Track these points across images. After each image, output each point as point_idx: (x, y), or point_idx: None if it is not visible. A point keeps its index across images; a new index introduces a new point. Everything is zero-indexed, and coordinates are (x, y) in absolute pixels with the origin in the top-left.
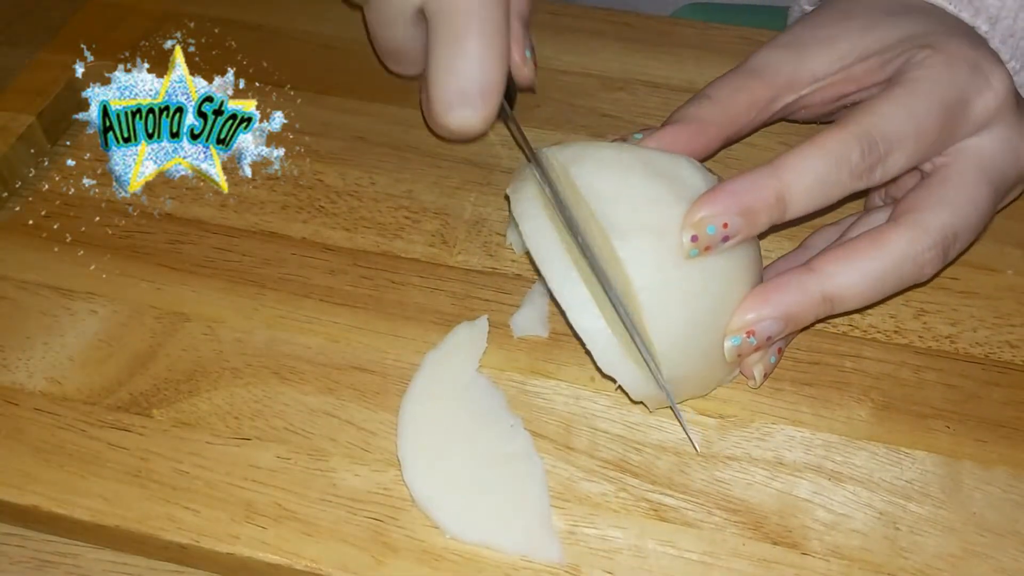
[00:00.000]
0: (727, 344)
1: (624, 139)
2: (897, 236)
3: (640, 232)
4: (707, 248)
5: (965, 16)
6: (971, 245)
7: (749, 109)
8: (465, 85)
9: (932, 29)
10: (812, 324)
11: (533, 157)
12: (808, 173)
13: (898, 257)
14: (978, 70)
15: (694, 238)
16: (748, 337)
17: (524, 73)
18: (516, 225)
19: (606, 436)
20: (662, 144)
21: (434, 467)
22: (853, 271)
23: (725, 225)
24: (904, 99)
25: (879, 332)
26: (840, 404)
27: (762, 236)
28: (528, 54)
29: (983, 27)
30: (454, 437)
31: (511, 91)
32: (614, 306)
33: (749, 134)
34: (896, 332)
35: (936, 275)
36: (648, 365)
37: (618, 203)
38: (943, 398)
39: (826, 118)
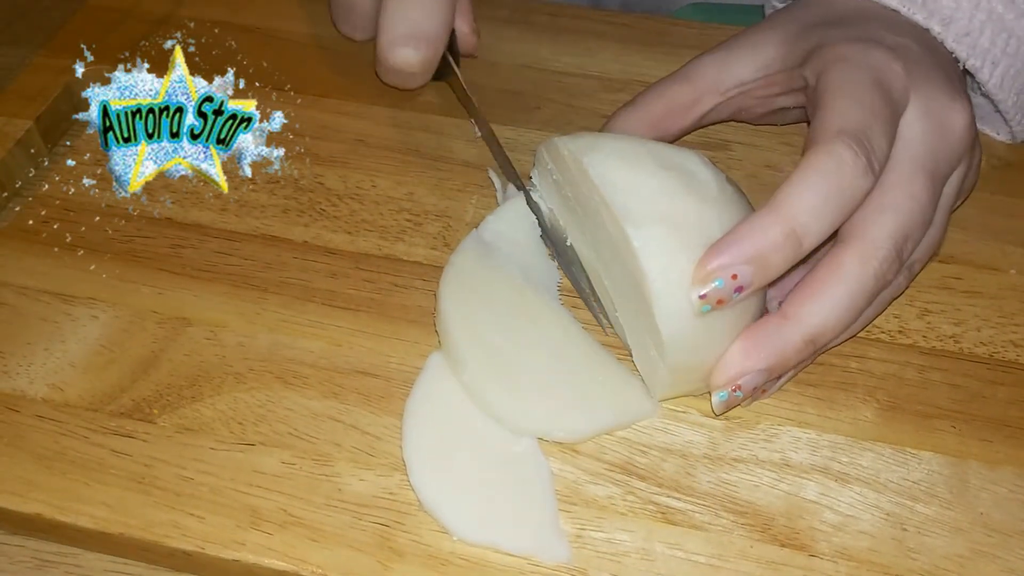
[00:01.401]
0: (715, 399)
1: None
2: (849, 258)
3: (653, 221)
4: (719, 302)
5: (919, 18)
6: (948, 218)
7: (669, 113)
8: (411, 29)
9: (837, 35)
10: (803, 365)
11: (479, 121)
12: (807, 193)
13: (856, 278)
14: (873, 45)
15: (703, 296)
16: (735, 391)
17: (470, 41)
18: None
19: (612, 439)
20: None
21: (440, 469)
22: (823, 306)
23: (734, 276)
24: (839, 92)
25: (883, 332)
26: (846, 405)
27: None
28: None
29: (936, 28)
30: (460, 439)
31: (454, 55)
32: (596, 303)
33: (683, 134)
34: (900, 332)
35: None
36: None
37: (631, 193)
38: (948, 398)
39: (767, 119)
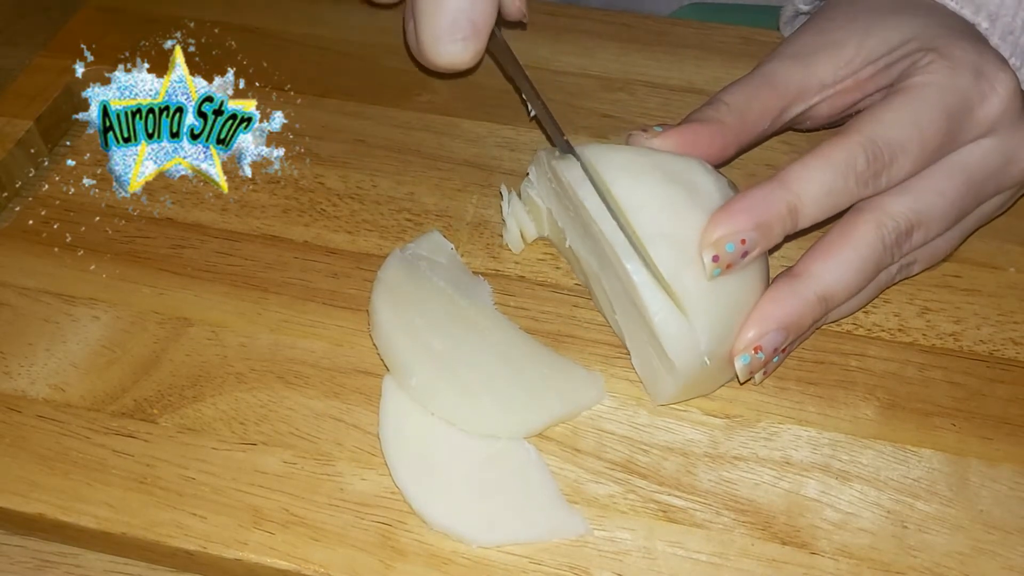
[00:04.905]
0: (738, 364)
1: (644, 130)
2: (862, 222)
3: (658, 241)
4: (728, 266)
5: (966, 13)
6: (964, 238)
7: (762, 117)
8: (456, 17)
9: (935, 31)
10: (812, 329)
11: (532, 99)
12: (815, 183)
13: (867, 242)
14: (982, 75)
15: (715, 258)
16: (756, 353)
17: (516, 6)
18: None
19: (612, 438)
20: (682, 140)
21: (436, 487)
22: (834, 265)
23: (743, 242)
24: (907, 105)
25: (883, 331)
26: (846, 403)
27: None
28: None
29: (983, 24)
30: (443, 451)
31: (498, 24)
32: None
33: (758, 144)
34: (900, 330)
35: (931, 268)
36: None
37: (632, 219)
38: (948, 396)
39: (830, 126)
